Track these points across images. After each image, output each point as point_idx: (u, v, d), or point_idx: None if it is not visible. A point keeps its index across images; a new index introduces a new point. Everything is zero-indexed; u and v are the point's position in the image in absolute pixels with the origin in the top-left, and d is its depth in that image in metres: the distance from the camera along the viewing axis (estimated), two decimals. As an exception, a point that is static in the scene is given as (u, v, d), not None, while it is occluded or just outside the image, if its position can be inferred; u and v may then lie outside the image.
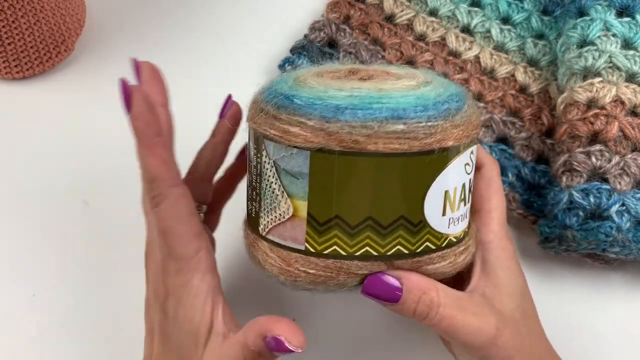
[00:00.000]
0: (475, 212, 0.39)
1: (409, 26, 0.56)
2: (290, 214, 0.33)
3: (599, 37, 0.48)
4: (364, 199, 0.32)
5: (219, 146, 0.40)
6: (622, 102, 0.46)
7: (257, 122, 0.34)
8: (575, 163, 0.45)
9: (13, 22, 0.50)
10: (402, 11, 0.57)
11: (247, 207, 0.37)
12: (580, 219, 0.44)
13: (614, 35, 0.48)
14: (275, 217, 0.34)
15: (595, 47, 0.48)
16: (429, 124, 0.32)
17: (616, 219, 0.43)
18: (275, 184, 0.33)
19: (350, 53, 0.55)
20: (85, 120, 0.53)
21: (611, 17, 0.49)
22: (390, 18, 0.57)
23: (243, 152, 0.42)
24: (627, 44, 0.48)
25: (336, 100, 0.31)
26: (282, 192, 0.33)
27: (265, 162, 0.34)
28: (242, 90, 0.55)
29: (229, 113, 0.40)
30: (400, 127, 0.31)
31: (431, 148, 0.32)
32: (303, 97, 0.32)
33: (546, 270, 0.48)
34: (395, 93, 0.32)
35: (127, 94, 0.33)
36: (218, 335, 0.34)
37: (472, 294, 0.36)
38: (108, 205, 0.49)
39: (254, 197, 0.35)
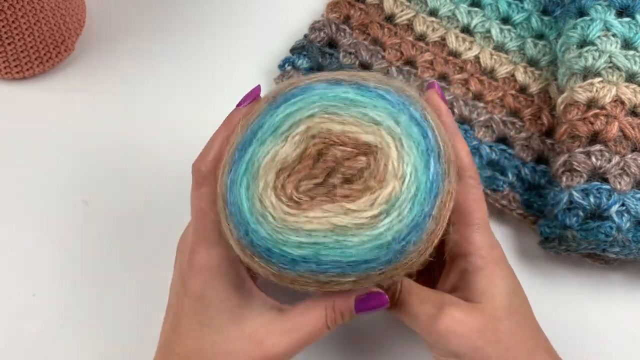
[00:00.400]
0: (454, 223, 0.38)
1: (409, 26, 0.56)
2: None
3: (599, 37, 0.48)
4: None
5: None
6: (622, 102, 0.46)
7: (224, 229, 0.33)
8: (575, 163, 0.45)
9: (13, 22, 0.50)
10: (402, 11, 0.57)
11: None
12: (580, 219, 0.44)
13: (614, 35, 0.48)
14: None
15: (595, 47, 0.48)
16: (379, 271, 0.31)
17: (616, 219, 0.43)
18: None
19: (350, 53, 0.55)
20: (85, 120, 0.53)
21: (611, 17, 0.49)
22: (390, 18, 0.57)
23: None
24: (627, 44, 0.48)
25: (290, 250, 0.31)
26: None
27: None
28: (242, 91, 0.55)
29: None
30: (351, 279, 0.31)
31: (382, 284, 0.34)
32: (261, 238, 0.31)
33: (546, 270, 0.48)
34: (351, 240, 0.30)
35: (250, 96, 0.37)
36: (271, 309, 0.36)
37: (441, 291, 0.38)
38: (108, 205, 0.49)
39: None
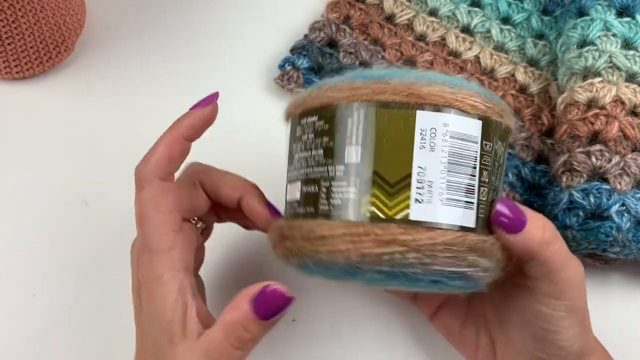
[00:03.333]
0: None
1: (409, 26, 0.56)
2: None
3: (599, 37, 0.48)
4: None
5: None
6: (622, 102, 0.46)
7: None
8: (575, 163, 0.45)
9: (13, 22, 0.50)
10: (402, 11, 0.57)
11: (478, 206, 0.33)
12: (580, 219, 0.44)
13: (614, 35, 0.48)
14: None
15: (595, 47, 0.48)
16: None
17: (616, 219, 0.43)
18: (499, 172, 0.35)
19: (350, 53, 0.55)
20: (85, 120, 0.53)
21: (611, 17, 0.49)
22: (390, 18, 0.57)
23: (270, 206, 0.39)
24: (627, 44, 0.48)
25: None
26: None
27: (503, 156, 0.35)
28: (242, 90, 0.55)
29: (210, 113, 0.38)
30: None
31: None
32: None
33: (546, 270, 0.48)
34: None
35: (206, 101, 0.37)
36: (192, 334, 0.33)
37: None
38: (108, 205, 0.49)
39: (487, 189, 0.34)
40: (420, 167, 0.32)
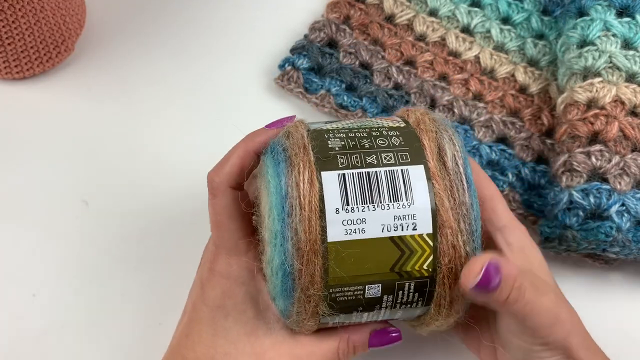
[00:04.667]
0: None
1: (409, 26, 0.56)
2: None
3: (599, 37, 0.48)
4: None
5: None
6: (622, 102, 0.46)
7: None
8: (575, 163, 0.45)
9: (13, 22, 0.50)
10: (402, 11, 0.57)
11: None
12: (580, 219, 0.44)
13: (614, 35, 0.48)
14: None
15: (595, 47, 0.48)
16: None
17: (616, 219, 0.43)
18: None
19: (350, 53, 0.55)
20: (85, 120, 0.53)
21: (611, 17, 0.49)
22: (390, 18, 0.57)
23: None
24: (627, 44, 0.48)
25: None
26: None
27: None
28: (242, 90, 0.55)
29: None
30: None
31: None
32: None
33: (546, 270, 0.48)
34: None
35: (282, 121, 0.37)
36: (282, 328, 0.36)
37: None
38: (108, 205, 0.49)
39: None
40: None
